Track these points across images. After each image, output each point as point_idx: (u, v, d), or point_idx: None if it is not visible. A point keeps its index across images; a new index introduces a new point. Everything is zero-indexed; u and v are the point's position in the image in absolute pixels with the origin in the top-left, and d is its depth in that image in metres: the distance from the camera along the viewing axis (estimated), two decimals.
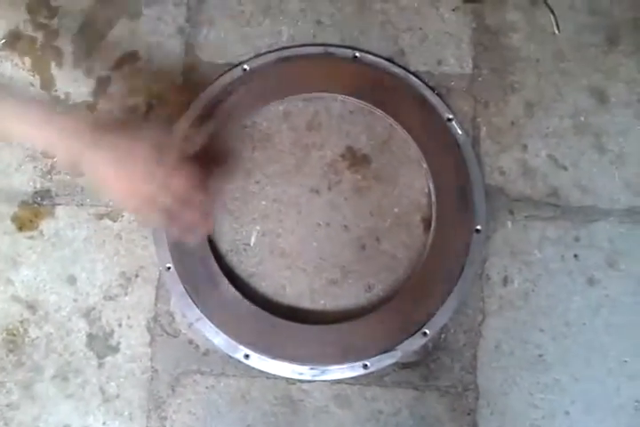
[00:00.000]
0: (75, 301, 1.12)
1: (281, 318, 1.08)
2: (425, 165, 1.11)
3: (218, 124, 1.08)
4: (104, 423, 1.10)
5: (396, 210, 1.12)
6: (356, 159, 1.13)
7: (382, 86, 1.14)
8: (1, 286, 1.13)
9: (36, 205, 1.15)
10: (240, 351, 1.08)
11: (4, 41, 1.19)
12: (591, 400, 1.07)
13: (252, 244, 1.12)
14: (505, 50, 1.15)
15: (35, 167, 1.15)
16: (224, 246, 1.12)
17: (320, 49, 1.16)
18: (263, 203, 1.13)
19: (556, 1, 1.16)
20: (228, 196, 1.13)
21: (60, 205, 1.14)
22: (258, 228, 1.13)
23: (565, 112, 1.13)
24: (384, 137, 1.14)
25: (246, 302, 1.08)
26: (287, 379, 1.08)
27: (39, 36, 1.19)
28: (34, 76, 1.18)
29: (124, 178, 0.81)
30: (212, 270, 1.10)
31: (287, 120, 1.15)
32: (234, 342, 1.08)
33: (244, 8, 1.18)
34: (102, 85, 1.17)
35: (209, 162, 0.85)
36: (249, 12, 1.18)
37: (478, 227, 1.10)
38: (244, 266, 1.12)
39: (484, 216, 1.10)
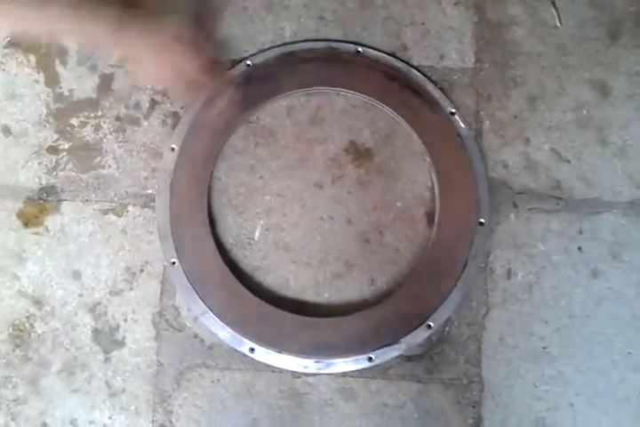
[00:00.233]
0: (80, 296, 1.13)
1: (285, 312, 1.08)
2: (428, 159, 1.12)
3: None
4: (110, 418, 1.10)
5: (399, 204, 1.12)
6: (359, 153, 1.14)
7: (385, 81, 1.14)
8: (7, 282, 1.14)
9: (41, 201, 1.15)
10: (245, 345, 1.08)
11: (8, 39, 1.20)
12: (595, 392, 1.07)
13: (256, 238, 1.13)
14: (507, 44, 1.15)
15: (40, 164, 1.16)
16: (229, 241, 1.13)
17: (323, 44, 1.17)
18: (267, 197, 1.13)
19: None
20: (232, 191, 1.14)
21: (65, 200, 1.15)
22: (262, 222, 1.13)
23: (568, 105, 1.14)
24: (387, 131, 1.14)
25: (251, 296, 1.08)
26: (292, 372, 1.09)
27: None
28: (38, 73, 1.19)
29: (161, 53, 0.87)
30: (216, 265, 1.10)
31: (290, 115, 1.16)
32: (239, 336, 1.08)
33: (247, 4, 1.18)
34: (106, 82, 1.18)
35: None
36: (252, 8, 1.18)
37: (482, 220, 1.10)
38: (249, 260, 1.12)
39: (488, 209, 1.10)
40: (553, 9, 1.15)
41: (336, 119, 1.15)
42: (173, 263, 1.11)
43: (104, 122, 1.16)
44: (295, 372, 1.09)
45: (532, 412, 1.07)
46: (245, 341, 1.08)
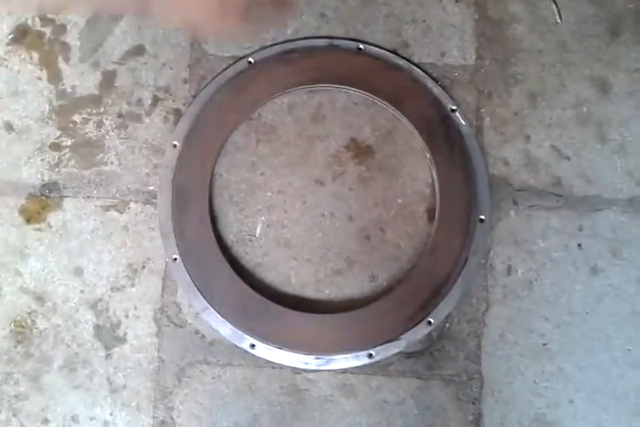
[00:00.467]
0: (82, 292, 1.13)
1: (286, 308, 1.08)
2: (429, 156, 1.12)
3: None
4: (111, 414, 1.11)
5: (400, 200, 1.13)
6: (360, 150, 1.14)
7: (386, 78, 1.15)
8: (9, 278, 1.14)
9: (43, 198, 1.16)
10: (246, 341, 1.09)
11: (11, 36, 1.20)
12: (595, 389, 1.08)
13: (257, 234, 1.13)
14: (508, 41, 1.16)
15: (42, 160, 1.16)
16: (230, 237, 1.13)
17: (324, 41, 1.17)
18: (268, 194, 1.14)
19: None
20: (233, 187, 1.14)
21: (67, 197, 1.15)
22: (263, 219, 1.13)
23: (568, 102, 1.14)
24: (388, 128, 1.14)
25: (252, 292, 1.09)
26: (293, 368, 1.09)
27: (46, 30, 1.20)
28: (41, 70, 1.19)
29: None
30: (218, 261, 1.10)
31: (292, 112, 1.16)
32: (240, 332, 1.09)
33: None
34: (109, 79, 1.18)
35: None
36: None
37: (482, 217, 1.10)
38: (250, 256, 1.13)
39: (488, 206, 1.11)
40: (553, 5, 1.15)
41: (337, 116, 1.15)
42: (175, 260, 1.11)
43: (106, 119, 1.17)
44: (295, 368, 1.09)
45: (531, 408, 1.07)
46: (246, 337, 1.09)
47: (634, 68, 1.14)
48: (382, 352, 1.07)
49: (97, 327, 1.13)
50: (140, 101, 1.17)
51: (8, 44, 1.20)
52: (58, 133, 1.17)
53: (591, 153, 1.13)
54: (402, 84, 1.14)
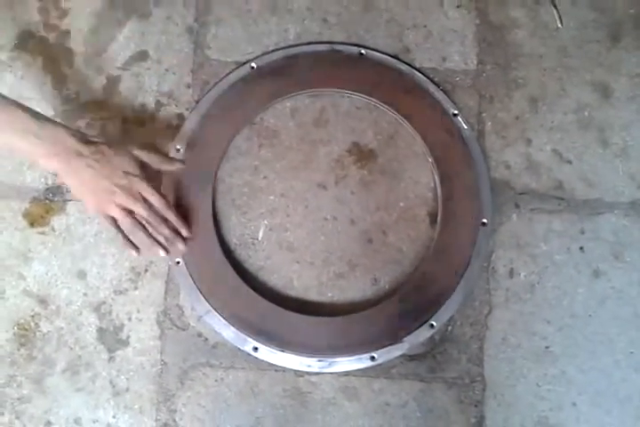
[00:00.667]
0: (85, 295, 1.14)
1: (289, 311, 1.09)
2: (431, 160, 1.13)
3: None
4: (114, 417, 1.11)
5: (402, 204, 1.13)
6: (362, 154, 1.15)
7: (388, 83, 1.15)
8: (13, 281, 1.15)
9: (47, 201, 1.16)
10: (249, 344, 1.09)
11: (16, 41, 1.21)
12: (598, 392, 1.08)
13: (260, 238, 1.14)
14: (509, 46, 1.17)
15: None
16: (232, 241, 1.14)
17: (326, 46, 1.18)
18: (271, 198, 1.14)
19: None
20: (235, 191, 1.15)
21: (70, 200, 1.16)
22: (266, 222, 1.14)
23: (569, 107, 1.15)
24: (390, 132, 1.15)
25: (255, 296, 1.09)
26: (295, 371, 1.09)
27: (50, 36, 1.21)
28: (45, 75, 1.20)
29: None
30: (220, 264, 1.11)
31: (294, 117, 1.17)
32: (242, 335, 1.09)
33: (251, 7, 1.20)
34: (112, 84, 1.19)
35: None
36: (256, 10, 1.20)
37: (484, 220, 1.11)
38: (253, 260, 1.13)
39: (490, 209, 1.11)
40: (554, 10, 1.16)
41: (340, 121, 1.16)
42: (178, 263, 1.12)
43: (110, 123, 1.18)
44: (298, 371, 1.09)
45: (534, 411, 1.07)
46: (249, 340, 1.09)
47: (635, 73, 1.15)
48: (385, 355, 1.08)
49: (100, 330, 1.13)
50: (143, 106, 1.18)
51: (12, 50, 1.21)
52: None
53: (593, 157, 1.13)
54: (404, 89, 1.15)
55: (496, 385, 1.08)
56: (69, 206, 1.16)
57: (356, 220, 1.13)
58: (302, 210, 1.14)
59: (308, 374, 1.09)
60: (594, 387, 1.08)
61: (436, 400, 1.08)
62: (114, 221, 1.02)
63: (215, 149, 1.15)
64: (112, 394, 1.11)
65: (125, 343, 1.12)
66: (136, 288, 1.13)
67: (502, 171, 1.13)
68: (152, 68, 1.19)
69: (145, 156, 1.02)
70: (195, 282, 1.11)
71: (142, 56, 1.20)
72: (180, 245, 1.08)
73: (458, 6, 1.18)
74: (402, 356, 1.08)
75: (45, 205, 1.16)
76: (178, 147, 1.15)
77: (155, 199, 1.02)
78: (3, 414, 1.12)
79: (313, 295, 1.12)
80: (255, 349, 1.09)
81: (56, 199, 1.16)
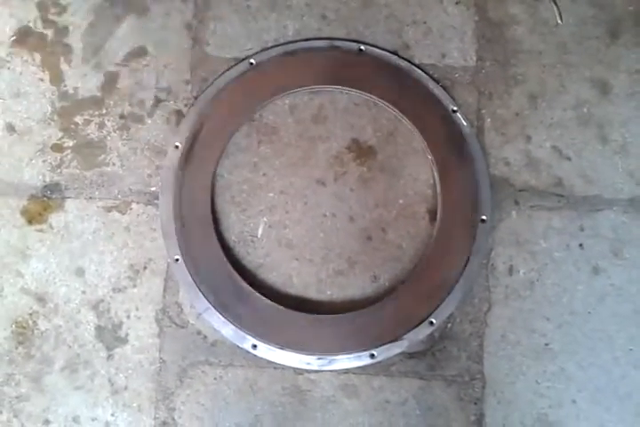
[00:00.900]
0: (83, 293, 1.13)
1: (288, 309, 1.09)
2: (430, 157, 1.12)
3: None
4: (113, 415, 1.10)
5: (401, 201, 1.13)
6: (361, 151, 1.14)
7: (387, 79, 1.15)
8: (11, 279, 1.14)
9: (45, 199, 1.16)
10: (248, 342, 1.09)
11: (14, 37, 1.21)
12: (597, 389, 1.08)
13: (259, 235, 1.13)
14: (508, 42, 1.16)
15: (44, 161, 1.16)
16: (232, 238, 1.13)
17: (325, 43, 1.18)
18: (270, 195, 1.14)
19: None
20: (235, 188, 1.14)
21: (69, 198, 1.16)
22: (265, 219, 1.14)
23: (568, 103, 1.15)
24: (389, 129, 1.15)
25: (254, 293, 1.09)
26: (295, 369, 1.09)
27: (49, 32, 1.21)
28: (43, 71, 1.19)
29: None
30: (219, 262, 1.10)
31: (293, 113, 1.16)
32: (242, 333, 1.09)
33: (250, 3, 1.19)
34: (111, 80, 1.18)
35: None
36: (255, 7, 1.19)
37: (484, 217, 1.11)
38: (252, 257, 1.13)
39: (490, 206, 1.11)
40: (554, 6, 1.16)
41: (339, 117, 1.16)
42: (177, 260, 1.11)
43: (108, 120, 1.17)
44: (297, 369, 1.09)
45: (534, 409, 1.07)
46: (248, 337, 1.09)
47: (634, 70, 1.15)
48: (384, 353, 1.07)
49: (98, 328, 1.12)
50: (141, 103, 1.17)
51: (10, 46, 1.20)
52: (60, 135, 1.17)
53: (592, 153, 1.13)
54: (403, 86, 1.15)
55: (495, 383, 1.08)
56: (67, 204, 1.15)
57: (355, 217, 1.13)
58: (301, 207, 1.14)
59: (308, 371, 1.09)
60: (593, 384, 1.08)
61: (435, 398, 1.08)
62: None
63: (214, 145, 1.14)
64: (111, 392, 1.11)
65: (124, 341, 1.12)
66: (135, 286, 1.13)
67: (502, 168, 1.13)
68: (150, 64, 1.19)
69: None
70: (194, 279, 1.10)
71: (141, 52, 1.19)
72: None
73: (457, 3, 1.17)
74: (401, 353, 1.08)
75: (43, 203, 1.16)
76: (176, 143, 1.15)
77: None
78: (1, 412, 1.11)
79: (312, 293, 1.11)
80: (254, 346, 1.09)
81: (54, 197, 1.16)
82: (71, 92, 1.18)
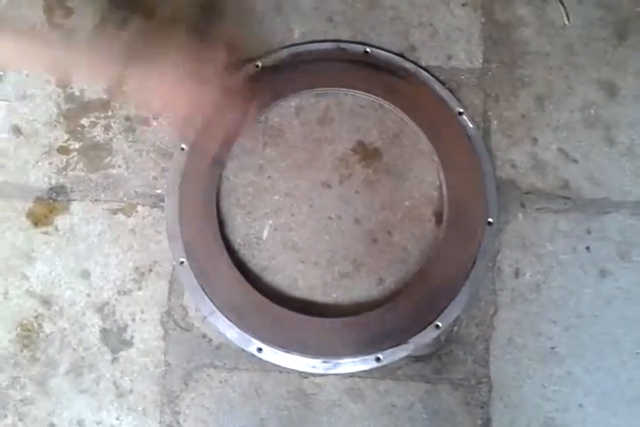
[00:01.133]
0: (89, 296, 1.13)
1: (294, 312, 1.08)
2: (436, 159, 1.12)
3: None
4: (118, 418, 1.10)
5: (407, 203, 1.12)
6: (367, 153, 1.14)
7: (393, 81, 1.15)
8: (16, 282, 1.14)
9: (51, 201, 1.16)
10: (253, 345, 1.08)
11: None
12: (604, 393, 1.07)
13: (264, 238, 1.13)
14: (515, 44, 1.16)
15: (50, 163, 1.16)
16: (237, 240, 1.13)
17: (331, 45, 1.17)
18: (275, 197, 1.14)
19: None
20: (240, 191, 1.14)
21: (74, 200, 1.16)
22: (270, 222, 1.13)
23: (575, 105, 1.14)
24: (395, 131, 1.14)
25: (259, 296, 1.08)
26: (300, 372, 1.08)
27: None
28: (50, 73, 1.19)
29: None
30: (225, 265, 1.10)
31: (299, 115, 1.16)
32: (247, 336, 1.08)
33: (256, 6, 1.19)
34: (117, 83, 1.18)
35: None
36: (261, 10, 1.19)
37: (490, 219, 1.10)
38: (257, 260, 1.13)
39: (496, 209, 1.10)
40: (561, 7, 1.15)
41: (344, 119, 1.15)
42: (182, 263, 1.11)
43: (114, 122, 1.17)
44: (303, 372, 1.08)
45: (540, 413, 1.07)
46: (253, 341, 1.08)
47: None
48: (390, 356, 1.07)
49: (103, 331, 1.12)
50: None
51: None
52: (66, 137, 1.17)
53: (599, 156, 1.12)
54: (409, 87, 1.15)
55: (502, 386, 1.07)
56: (73, 206, 1.15)
57: (360, 219, 1.12)
58: (307, 209, 1.13)
59: (313, 375, 1.09)
60: (600, 388, 1.07)
61: (441, 402, 1.07)
62: None
63: (219, 147, 1.14)
64: (116, 396, 1.11)
65: (129, 344, 1.12)
66: (140, 289, 1.13)
67: (508, 170, 1.13)
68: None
69: None
70: (199, 282, 1.10)
71: None
72: None
73: (464, 4, 1.17)
74: (407, 357, 1.08)
75: (49, 205, 1.16)
76: (182, 146, 1.14)
77: None
78: (6, 416, 1.11)
79: (317, 296, 1.11)
80: (259, 349, 1.08)
81: (60, 199, 1.16)
82: (77, 94, 1.18)
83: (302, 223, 1.13)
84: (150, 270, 1.13)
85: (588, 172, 1.12)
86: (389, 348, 1.07)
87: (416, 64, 1.16)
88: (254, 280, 1.11)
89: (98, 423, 1.10)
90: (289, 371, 1.09)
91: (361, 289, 1.11)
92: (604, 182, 1.11)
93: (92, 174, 1.16)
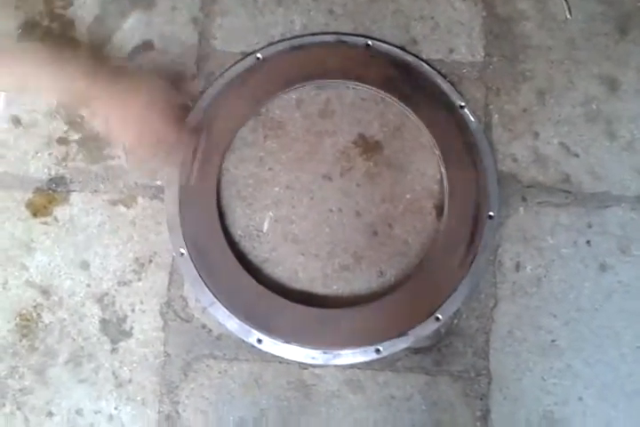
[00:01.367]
0: (88, 286, 1.13)
1: (294, 303, 1.08)
2: (437, 152, 1.12)
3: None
4: (116, 408, 1.10)
5: (408, 196, 1.13)
6: (368, 146, 1.14)
7: (394, 74, 1.15)
8: (15, 272, 1.14)
9: (50, 192, 1.15)
10: (253, 336, 1.08)
11: (20, 31, 1.20)
12: (604, 385, 1.07)
13: (265, 230, 1.13)
14: (516, 38, 1.16)
15: (50, 154, 1.16)
16: (237, 232, 1.13)
17: (333, 37, 1.17)
18: (276, 189, 1.14)
19: None
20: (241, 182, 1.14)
21: (74, 191, 1.15)
22: (271, 214, 1.13)
23: (577, 100, 1.14)
24: (396, 124, 1.14)
25: (259, 287, 1.08)
26: (300, 363, 1.08)
27: (55, 26, 1.20)
28: None
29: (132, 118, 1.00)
30: (225, 256, 1.10)
31: (300, 108, 1.16)
32: (247, 327, 1.08)
33: None
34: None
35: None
36: (262, 1, 1.19)
37: (491, 213, 1.10)
38: (258, 252, 1.12)
39: (497, 202, 1.11)
40: (562, 0, 1.16)
41: (345, 112, 1.15)
42: (182, 254, 1.11)
43: None
44: (303, 363, 1.08)
45: (540, 405, 1.07)
46: (253, 331, 1.08)
47: None
48: (390, 348, 1.07)
49: (103, 321, 1.12)
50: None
51: (17, 39, 1.20)
52: (65, 128, 1.17)
53: (600, 150, 1.13)
54: (410, 81, 1.15)
55: (502, 379, 1.07)
56: (73, 197, 1.15)
57: (361, 212, 1.12)
58: (307, 202, 1.13)
59: (313, 366, 1.09)
60: (600, 381, 1.07)
61: (441, 394, 1.07)
62: None
63: (220, 139, 1.14)
64: (115, 385, 1.11)
65: (128, 335, 1.11)
66: (139, 279, 1.12)
67: (509, 164, 1.13)
68: (157, 58, 1.18)
69: None
70: (199, 273, 1.10)
71: (147, 46, 1.19)
72: None
73: None
74: (407, 349, 1.08)
75: (48, 196, 1.15)
76: None
77: None
78: (4, 405, 1.11)
79: (318, 287, 1.11)
80: (259, 340, 1.08)
81: (59, 190, 1.15)
82: None
83: (303, 215, 1.13)
84: (150, 261, 1.13)
85: (588, 166, 1.12)
86: (389, 339, 1.07)
87: (417, 57, 1.16)
88: (255, 272, 1.11)
89: (96, 413, 1.10)
90: (289, 362, 1.09)
91: (361, 281, 1.11)
92: (605, 176, 1.12)
93: (92, 165, 1.16)
